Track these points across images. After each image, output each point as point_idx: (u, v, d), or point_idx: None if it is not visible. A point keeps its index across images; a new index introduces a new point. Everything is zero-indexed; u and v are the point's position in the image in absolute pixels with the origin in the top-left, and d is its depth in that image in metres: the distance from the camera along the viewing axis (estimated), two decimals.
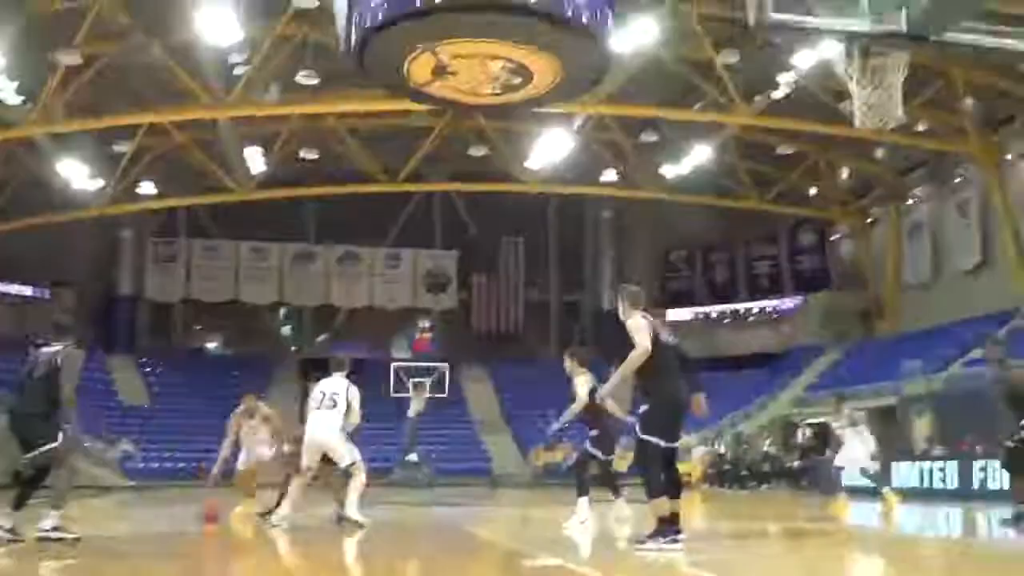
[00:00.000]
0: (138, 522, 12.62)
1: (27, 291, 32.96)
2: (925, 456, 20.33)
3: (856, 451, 13.87)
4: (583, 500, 9.36)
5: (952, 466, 18.45)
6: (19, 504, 7.26)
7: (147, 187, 31.64)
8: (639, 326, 6.86)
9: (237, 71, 23.95)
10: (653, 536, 6.57)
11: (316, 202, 36.88)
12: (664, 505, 6.56)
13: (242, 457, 10.86)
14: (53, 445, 7.15)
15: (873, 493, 14.32)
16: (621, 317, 7.08)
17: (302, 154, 31.07)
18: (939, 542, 9.61)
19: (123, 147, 28.17)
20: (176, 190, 32.47)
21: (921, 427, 23.14)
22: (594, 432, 9.56)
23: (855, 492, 15.28)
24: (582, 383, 9.43)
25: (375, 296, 38.62)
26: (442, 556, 7.14)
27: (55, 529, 7.02)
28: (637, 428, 6.79)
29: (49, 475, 7.29)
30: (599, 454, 9.70)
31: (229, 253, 37.66)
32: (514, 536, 9.81)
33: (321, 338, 39.93)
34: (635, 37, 20.52)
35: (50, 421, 7.26)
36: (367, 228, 38.14)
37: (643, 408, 6.80)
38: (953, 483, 18.03)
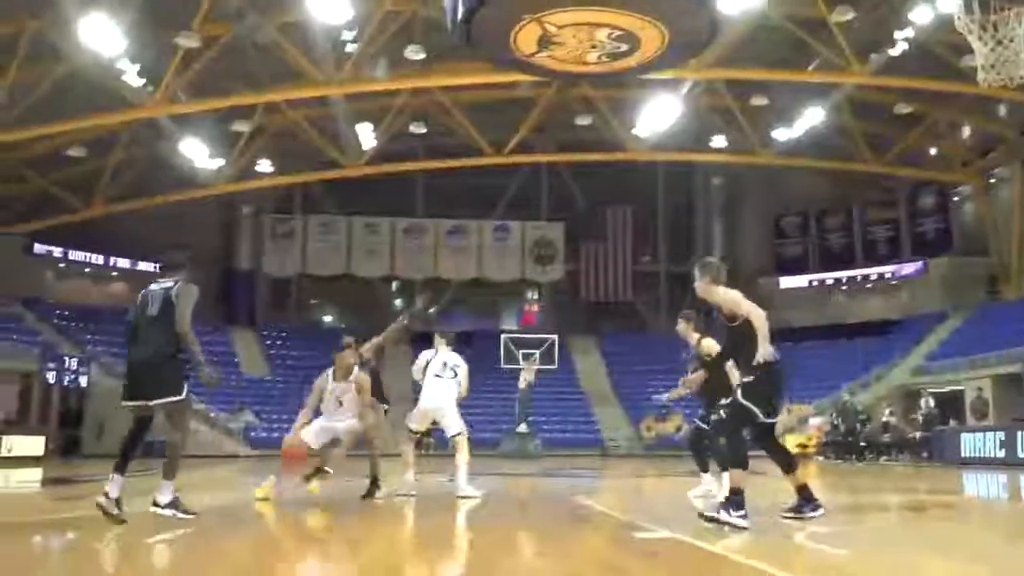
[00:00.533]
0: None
1: (154, 267, 34.36)
2: None
3: None
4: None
5: None
6: (122, 466, 6.50)
7: (264, 165, 32.69)
8: (733, 296, 6.57)
9: (348, 48, 24.37)
10: (725, 506, 6.24)
11: (425, 176, 37.48)
12: (738, 475, 6.31)
13: (321, 424, 9.15)
14: (179, 399, 6.57)
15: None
16: (699, 293, 6.73)
17: (411, 129, 31.48)
18: None
19: (240, 126, 29.11)
20: (292, 167, 33.39)
21: None
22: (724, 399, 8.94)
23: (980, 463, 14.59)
24: (713, 344, 8.64)
25: (483, 268, 39.00)
26: (554, 526, 7.18)
27: (172, 504, 6.50)
28: (737, 393, 6.54)
29: (165, 436, 6.63)
30: None
31: (342, 228, 38.63)
32: (625, 507, 9.79)
33: (432, 310, 40.59)
34: None
35: (175, 367, 6.61)
36: (475, 201, 38.62)
37: (747, 378, 6.55)
38: None
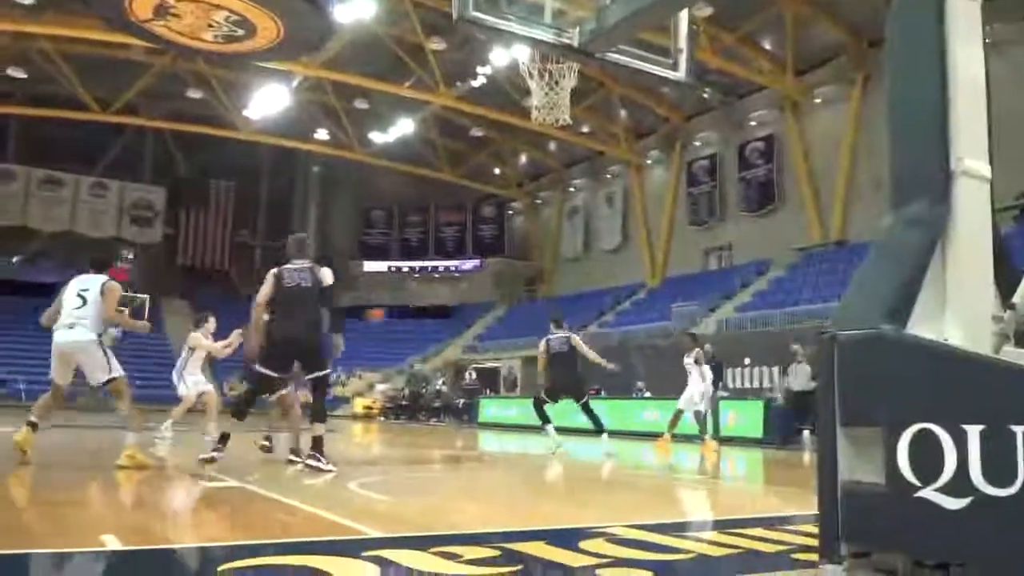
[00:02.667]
0: None
1: None
2: None
3: (695, 389, 12.17)
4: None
5: (573, 406, 20.40)
6: None
7: None
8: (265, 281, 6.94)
9: None
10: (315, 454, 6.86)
11: (20, 122, 32.65)
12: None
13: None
14: None
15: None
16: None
17: (9, 72, 27.30)
18: (564, 468, 10.49)
19: None
20: None
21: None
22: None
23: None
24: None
25: (77, 222, 34.97)
26: (124, 476, 6.69)
27: None
28: (257, 362, 6.93)
29: None
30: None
31: None
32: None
33: (16, 259, 35.55)
34: (356, 10, 20.15)
35: None
36: (74, 155, 34.51)
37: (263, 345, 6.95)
38: (575, 422, 19.82)
